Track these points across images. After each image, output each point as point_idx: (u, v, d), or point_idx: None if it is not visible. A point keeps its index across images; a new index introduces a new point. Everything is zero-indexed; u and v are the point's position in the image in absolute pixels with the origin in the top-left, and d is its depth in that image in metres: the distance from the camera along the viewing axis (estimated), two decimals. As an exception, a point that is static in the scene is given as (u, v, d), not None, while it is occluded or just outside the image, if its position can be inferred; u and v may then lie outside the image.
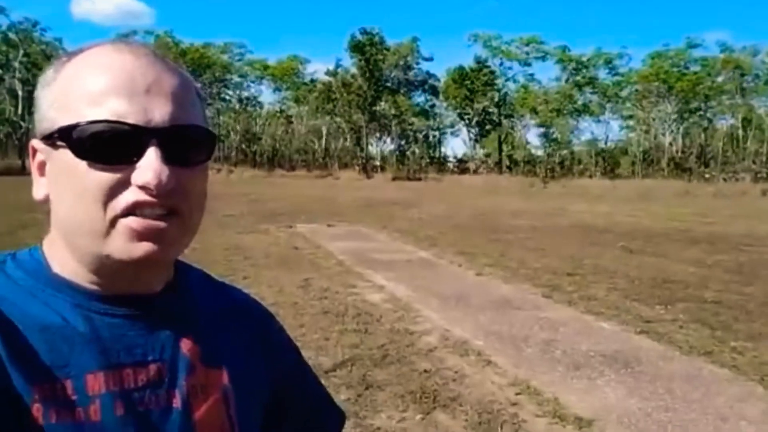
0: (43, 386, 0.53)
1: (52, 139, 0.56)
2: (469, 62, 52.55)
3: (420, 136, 54.53)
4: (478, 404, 3.61)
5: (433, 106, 55.53)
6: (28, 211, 10.39)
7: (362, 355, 4.42)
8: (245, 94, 56.04)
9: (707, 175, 41.10)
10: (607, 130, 52.87)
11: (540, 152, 52.69)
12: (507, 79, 53.54)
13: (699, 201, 25.71)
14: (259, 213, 15.25)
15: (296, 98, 55.85)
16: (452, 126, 56.65)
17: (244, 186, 27.45)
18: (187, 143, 0.57)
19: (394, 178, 42.83)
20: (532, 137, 58.91)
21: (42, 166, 0.60)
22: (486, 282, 7.43)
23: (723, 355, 4.65)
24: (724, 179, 39.35)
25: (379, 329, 5.16)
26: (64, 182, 0.57)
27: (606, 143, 52.00)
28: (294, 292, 6.46)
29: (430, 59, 54.12)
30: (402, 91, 52.69)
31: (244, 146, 51.85)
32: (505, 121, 53.24)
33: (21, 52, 42.85)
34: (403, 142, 53.98)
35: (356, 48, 50.09)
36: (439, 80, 54.40)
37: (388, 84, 52.05)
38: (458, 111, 53.56)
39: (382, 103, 51.19)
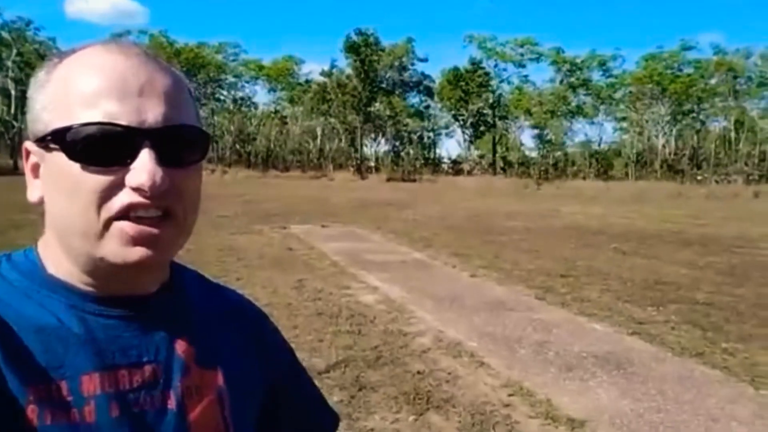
0: (38, 387, 0.53)
1: (45, 141, 0.56)
2: (463, 63, 52.72)
3: (415, 137, 54.56)
4: (471, 405, 3.62)
5: (427, 107, 55.61)
6: (20, 212, 10.33)
7: (356, 357, 4.42)
8: (240, 94, 55.93)
9: (700, 177, 41.35)
10: (600, 131, 53.29)
11: (534, 154, 52.91)
12: (501, 81, 53.71)
13: (691, 203, 25.85)
14: (253, 214, 15.21)
15: (291, 99, 55.77)
16: (447, 127, 56.77)
17: (238, 187, 27.37)
18: (180, 143, 0.57)
19: (388, 179, 42.84)
20: (527, 139, 59.20)
21: (36, 168, 0.60)
22: (480, 283, 7.44)
23: (714, 357, 4.68)
24: (717, 181, 39.59)
25: (373, 330, 5.16)
26: (58, 184, 0.57)
27: (600, 145, 52.26)
28: (288, 294, 6.45)
29: (425, 60, 54.22)
30: (397, 92, 52.73)
31: (238, 147, 51.73)
32: (499, 123, 53.36)
33: (14, 51, 42.57)
34: (397, 143, 54.01)
35: (351, 49, 50.08)
36: (433, 81, 54.51)
37: (383, 85, 52.07)
38: (453, 112, 53.64)
39: (377, 104, 51.20)
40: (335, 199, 22.13)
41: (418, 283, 7.18)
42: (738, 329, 5.46)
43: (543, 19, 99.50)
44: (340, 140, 52.69)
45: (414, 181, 43.11)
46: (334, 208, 17.87)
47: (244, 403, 0.67)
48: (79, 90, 0.56)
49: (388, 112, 50.77)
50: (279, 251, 9.48)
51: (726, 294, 6.94)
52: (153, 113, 0.56)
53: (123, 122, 0.54)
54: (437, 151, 58.13)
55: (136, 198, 0.54)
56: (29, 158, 0.60)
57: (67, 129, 0.54)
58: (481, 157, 53.85)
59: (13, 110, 41.25)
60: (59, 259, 0.59)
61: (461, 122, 53.57)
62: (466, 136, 53.76)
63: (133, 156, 0.55)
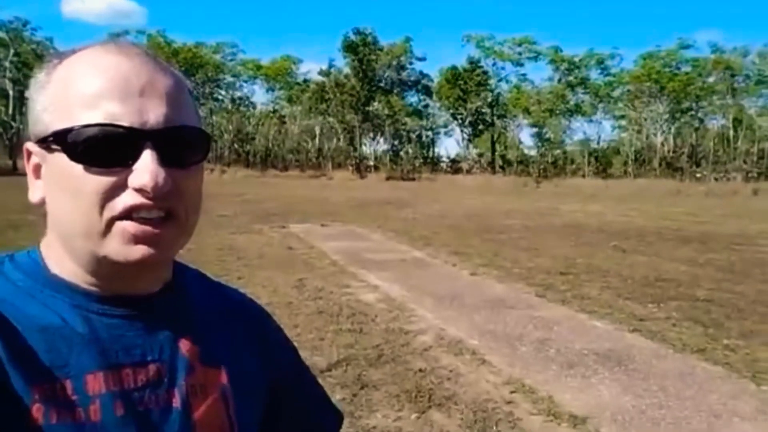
0: (43, 386, 0.53)
1: (46, 142, 0.56)
2: (462, 62, 52.72)
3: (413, 136, 54.55)
4: (473, 403, 3.62)
5: (426, 106, 55.60)
6: (19, 212, 10.32)
7: (357, 355, 4.42)
8: (238, 94, 55.86)
9: (699, 175, 41.41)
10: (599, 130, 53.10)
11: (533, 152, 52.90)
12: (500, 80, 53.74)
13: (691, 200, 25.89)
14: (252, 213, 15.21)
15: (289, 98, 55.75)
16: (445, 126, 56.77)
17: (237, 186, 27.36)
18: (182, 144, 0.57)
19: (387, 178, 42.86)
20: (525, 137, 59.22)
21: (37, 169, 0.60)
22: (480, 281, 7.44)
23: (715, 353, 4.68)
24: (716, 179, 39.66)
25: (374, 329, 5.16)
26: (60, 185, 0.57)
27: (598, 143, 52.27)
28: (288, 293, 6.45)
29: (423, 59, 54.28)
30: (395, 91, 52.72)
31: (236, 146, 51.70)
32: (498, 121, 53.37)
33: (11, 51, 42.55)
34: (396, 142, 53.99)
35: (349, 48, 50.08)
36: (432, 80, 54.52)
37: (382, 84, 52.06)
38: (451, 111, 53.64)
39: (376, 103, 51.19)
40: (334, 198, 22.13)
41: (419, 282, 7.18)
42: (739, 326, 5.46)
43: (541, 18, 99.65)
44: (339, 139, 52.67)
45: (413, 180, 43.14)
46: (333, 208, 17.87)
47: (248, 402, 0.66)
48: (80, 91, 0.55)
49: (386, 112, 50.75)
50: (279, 250, 9.48)
51: (726, 291, 6.95)
52: (154, 114, 0.55)
53: (125, 123, 0.54)
54: (436, 150, 58.21)
55: (139, 199, 0.54)
56: (30, 159, 0.60)
57: (69, 130, 0.54)
58: (480, 155, 53.85)
59: (11, 111, 41.21)
60: (62, 258, 0.59)
61: (460, 121, 53.58)
62: (465, 135, 53.79)
63: (135, 157, 0.55)
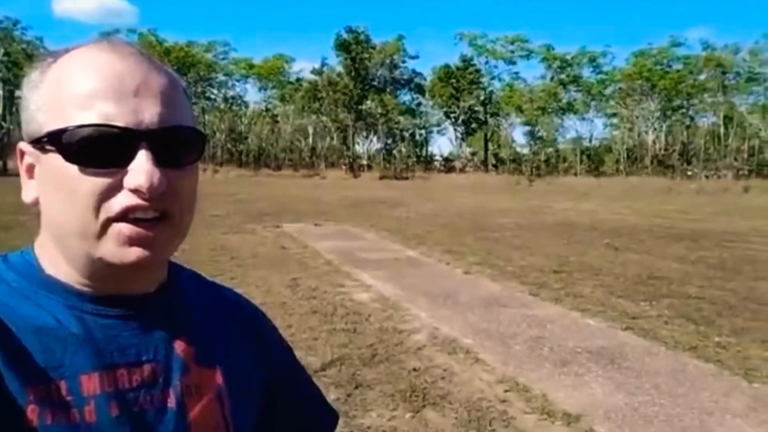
0: (37, 387, 0.53)
1: (40, 143, 0.56)
2: (454, 61, 52.80)
3: (407, 134, 54.60)
4: (467, 402, 3.63)
5: (419, 104, 55.69)
6: (10, 213, 10.25)
7: (351, 355, 4.42)
8: (230, 93, 55.72)
9: (690, 173, 41.69)
10: (591, 128, 53.31)
11: (525, 150, 53.10)
12: (492, 78, 53.91)
13: (682, 198, 26.05)
14: (245, 213, 15.17)
15: (282, 97, 55.65)
16: (438, 125, 56.91)
17: (230, 186, 27.28)
18: (177, 144, 0.57)
19: (381, 177, 42.86)
20: (518, 135, 59.46)
21: (31, 169, 0.59)
22: (473, 280, 7.46)
23: (707, 350, 4.71)
24: (707, 176, 39.91)
25: (368, 328, 5.16)
26: (54, 186, 0.56)
27: (590, 141, 52.53)
28: (282, 292, 6.44)
29: (415, 57, 54.33)
30: (388, 89, 52.73)
31: (229, 146, 51.56)
32: (490, 120, 53.52)
33: (1, 51, 42.21)
34: (389, 141, 54.02)
35: (342, 46, 50.02)
36: (425, 79, 54.61)
37: (375, 82, 52.05)
38: (444, 109, 53.76)
39: (369, 102, 51.18)
40: (328, 197, 22.11)
41: (412, 281, 7.18)
42: (730, 323, 5.50)
43: (533, 16, 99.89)
44: (332, 138, 52.63)
45: (406, 179, 43.16)
46: (326, 207, 17.85)
47: (243, 402, 0.66)
48: (73, 91, 0.55)
49: (379, 110, 50.76)
50: (272, 250, 9.46)
51: (717, 288, 7.00)
52: (149, 114, 0.55)
53: (120, 123, 0.54)
54: (429, 148, 58.35)
55: (135, 200, 0.54)
56: (24, 159, 0.60)
57: (63, 131, 0.54)
58: (473, 154, 53.99)
59: (1, 111, 40.87)
60: (55, 259, 0.59)
61: (453, 119, 53.70)
62: (458, 134, 53.92)
63: (131, 157, 0.54)
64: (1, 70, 41.73)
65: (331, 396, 3.56)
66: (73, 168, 0.54)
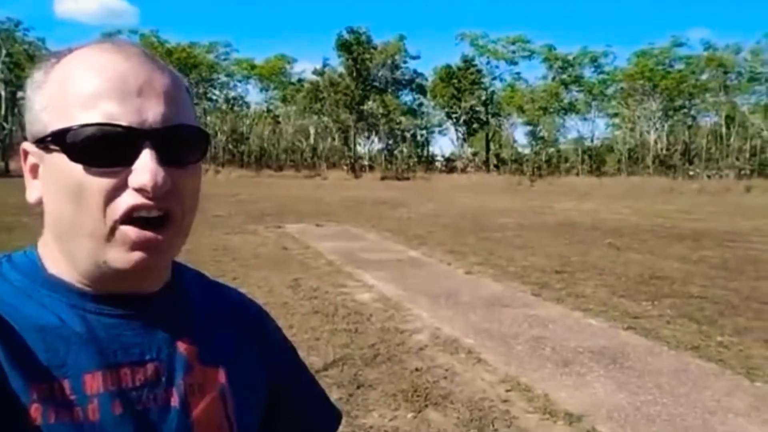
0: (41, 386, 0.53)
1: (45, 142, 0.56)
2: (456, 61, 52.76)
3: (408, 135, 54.60)
4: (469, 401, 3.63)
5: (420, 105, 55.66)
6: (13, 214, 10.26)
7: (353, 355, 4.42)
8: (232, 93, 55.71)
9: (691, 172, 41.62)
10: (593, 128, 53.26)
11: (527, 150, 53.05)
12: (494, 78, 53.85)
13: (684, 198, 26.02)
14: (247, 213, 15.18)
15: (283, 98, 55.65)
16: (440, 125, 56.87)
17: (231, 186, 27.29)
18: (180, 143, 0.57)
19: (382, 178, 42.85)
20: (519, 136, 59.47)
21: (35, 169, 0.59)
22: (475, 280, 7.45)
23: (709, 350, 4.71)
24: (708, 176, 39.85)
25: (370, 328, 5.16)
26: (59, 186, 0.56)
27: (592, 141, 52.47)
28: (284, 293, 6.44)
29: (417, 58, 54.33)
30: (389, 90, 52.71)
31: (231, 146, 51.57)
32: (492, 120, 53.47)
33: (3, 52, 42.25)
34: (391, 142, 54.02)
35: (343, 47, 50.02)
36: (426, 79, 54.56)
37: (376, 83, 52.03)
38: (446, 110, 53.71)
39: (370, 102, 51.17)
40: (329, 198, 22.12)
41: (414, 281, 7.18)
42: (732, 322, 5.49)
43: (534, 16, 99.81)
44: (334, 139, 52.65)
45: (408, 179, 43.15)
46: (328, 207, 17.86)
47: (246, 401, 0.66)
48: (78, 90, 0.55)
49: (381, 111, 50.75)
50: (274, 250, 9.46)
51: (720, 287, 6.98)
52: (153, 113, 0.55)
53: (123, 123, 0.54)
54: (430, 149, 58.34)
55: (139, 199, 0.54)
56: (27, 159, 0.60)
57: (67, 130, 0.54)
58: (475, 154, 53.94)
59: (3, 112, 40.94)
60: (58, 258, 0.59)
61: (454, 120, 53.65)
62: (459, 134, 53.87)
63: (135, 156, 0.54)
64: (3, 71, 41.80)
65: (333, 396, 3.54)
66: (78, 167, 0.54)
